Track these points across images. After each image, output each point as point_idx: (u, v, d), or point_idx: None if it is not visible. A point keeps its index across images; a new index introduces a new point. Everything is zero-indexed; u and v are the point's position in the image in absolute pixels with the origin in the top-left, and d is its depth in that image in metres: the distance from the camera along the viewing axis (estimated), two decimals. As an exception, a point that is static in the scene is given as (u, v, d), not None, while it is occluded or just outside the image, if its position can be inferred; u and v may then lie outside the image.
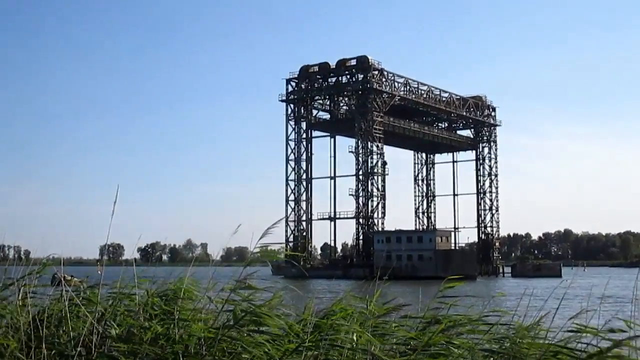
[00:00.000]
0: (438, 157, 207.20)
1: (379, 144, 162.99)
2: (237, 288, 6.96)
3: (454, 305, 7.42)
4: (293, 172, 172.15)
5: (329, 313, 6.99)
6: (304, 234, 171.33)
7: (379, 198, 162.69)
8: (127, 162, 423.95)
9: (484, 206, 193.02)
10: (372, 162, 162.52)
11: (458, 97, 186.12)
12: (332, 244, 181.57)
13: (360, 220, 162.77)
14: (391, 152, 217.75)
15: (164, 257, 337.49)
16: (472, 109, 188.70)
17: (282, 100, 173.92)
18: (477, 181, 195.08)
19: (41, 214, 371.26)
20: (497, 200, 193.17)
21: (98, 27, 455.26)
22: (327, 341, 6.48)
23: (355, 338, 6.60)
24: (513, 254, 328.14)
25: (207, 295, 7.44)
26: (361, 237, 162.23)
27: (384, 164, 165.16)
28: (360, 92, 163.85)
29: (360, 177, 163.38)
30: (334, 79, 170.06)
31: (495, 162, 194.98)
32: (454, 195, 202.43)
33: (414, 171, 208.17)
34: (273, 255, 7.18)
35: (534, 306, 7.51)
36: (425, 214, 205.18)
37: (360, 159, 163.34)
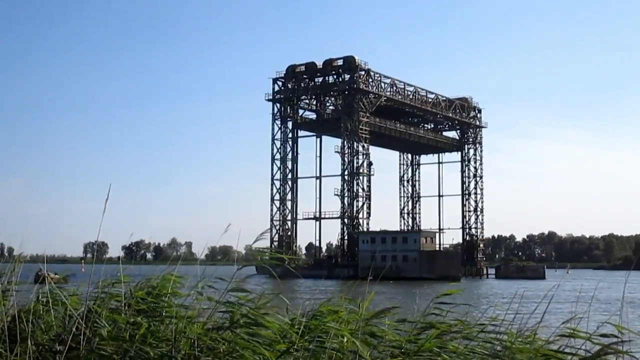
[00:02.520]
0: (423, 158, 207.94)
1: (365, 144, 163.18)
2: (228, 290, 6.89)
3: (449, 312, 7.38)
4: (279, 172, 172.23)
5: (318, 314, 6.93)
6: (289, 233, 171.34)
7: (364, 198, 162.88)
8: (111, 159, 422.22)
9: (469, 207, 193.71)
10: (357, 163, 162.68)
11: (444, 98, 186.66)
12: (317, 244, 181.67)
13: (346, 220, 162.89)
14: (377, 153, 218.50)
15: (149, 255, 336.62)
16: (458, 111, 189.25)
17: (269, 100, 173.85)
18: (462, 182, 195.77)
19: (25, 211, 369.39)
20: (481, 202, 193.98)
21: (83, 23, 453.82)
22: (317, 343, 6.43)
23: (345, 340, 6.54)
24: (497, 256, 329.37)
25: (196, 291, 7.36)
26: (346, 238, 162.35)
27: (370, 164, 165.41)
28: (346, 92, 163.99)
29: (346, 177, 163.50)
30: (320, 79, 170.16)
31: (481, 164, 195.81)
32: (439, 196, 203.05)
33: (400, 172, 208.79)
34: (260, 256, 7.12)
35: (523, 307, 7.46)
36: (410, 214, 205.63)
37: (346, 159, 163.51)
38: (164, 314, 6.89)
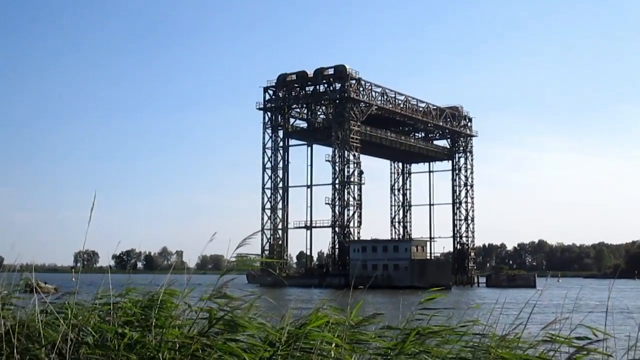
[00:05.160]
0: (414, 167, 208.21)
1: (356, 153, 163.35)
2: (213, 297, 6.96)
3: (434, 317, 7.49)
4: (270, 180, 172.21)
5: (305, 323, 7.01)
6: (280, 242, 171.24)
7: (355, 207, 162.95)
8: (102, 168, 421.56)
9: (460, 216, 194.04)
10: (348, 171, 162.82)
11: (435, 107, 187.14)
12: (308, 253, 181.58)
13: (336, 229, 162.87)
14: (368, 162, 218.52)
15: (139, 264, 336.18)
16: (448, 119, 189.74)
17: (260, 109, 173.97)
18: (453, 191, 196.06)
19: (15, 220, 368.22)
20: (472, 211, 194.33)
21: (69, 34, 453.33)
22: (300, 350, 6.51)
23: (331, 347, 6.63)
24: (488, 264, 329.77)
25: (184, 302, 7.43)
26: (337, 246, 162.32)
27: (361, 173, 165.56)
28: (337, 101, 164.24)
29: (337, 186, 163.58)
30: (311, 88, 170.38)
31: (471, 173, 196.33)
32: (430, 205, 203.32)
33: (391, 181, 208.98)
34: (249, 264, 7.20)
35: (508, 314, 7.58)
36: (401, 223, 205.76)
37: (337, 167, 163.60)
38: (152, 324, 6.94)
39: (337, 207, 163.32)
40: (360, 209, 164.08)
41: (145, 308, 7.38)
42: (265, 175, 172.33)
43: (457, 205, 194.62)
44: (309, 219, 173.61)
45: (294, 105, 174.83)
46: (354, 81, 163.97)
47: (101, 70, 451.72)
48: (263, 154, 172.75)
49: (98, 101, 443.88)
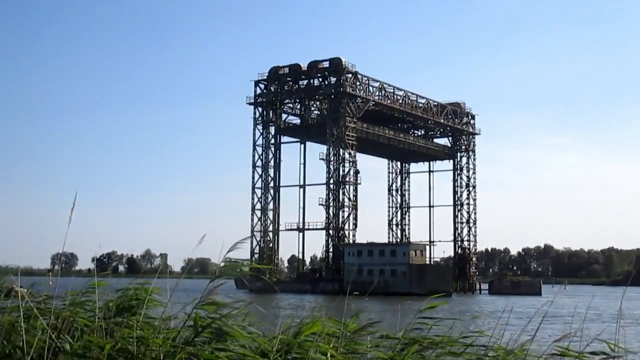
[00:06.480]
0: (413, 167, 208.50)
1: (352, 152, 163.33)
2: (199, 303, 6.91)
3: (434, 326, 7.43)
4: (260, 180, 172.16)
5: (298, 331, 6.97)
6: (271, 245, 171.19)
7: (351, 208, 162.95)
8: (82, 167, 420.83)
9: (461, 219, 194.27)
10: (344, 171, 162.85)
11: (436, 103, 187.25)
12: (300, 257, 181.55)
13: (331, 231, 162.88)
14: (364, 160, 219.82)
15: (121, 267, 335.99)
16: (450, 116, 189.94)
17: (250, 103, 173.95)
18: (454, 192, 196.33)
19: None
20: (474, 213, 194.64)
21: (52, 27, 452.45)
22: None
23: (326, 358, 6.58)
24: (491, 270, 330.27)
25: (167, 308, 7.39)
26: (331, 250, 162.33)
27: (357, 172, 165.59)
28: (332, 96, 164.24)
29: (331, 186, 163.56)
30: (305, 82, 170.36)
31: (474, 173, 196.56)
32: (430, 206, 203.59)
33: (388, 181, 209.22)
34: (237, 268, 7.15)
35: (514, 324, 7.54)
36: (399, 226, 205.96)
37: (331, 166, 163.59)
38: (135, 333, 6.90)
39: (331, 209, 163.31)
40: (356, 210, 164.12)
41: (122, 310, 7.35)
42: (256, 174, 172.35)
43: (459, 207, 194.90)
44: (301, 220, 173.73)
45: (287, 100, 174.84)
46: (350, 75, 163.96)
47: (81, 65, 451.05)
48: (253, 151, 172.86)
49: (78, 97, 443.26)
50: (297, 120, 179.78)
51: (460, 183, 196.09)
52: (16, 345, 7.08)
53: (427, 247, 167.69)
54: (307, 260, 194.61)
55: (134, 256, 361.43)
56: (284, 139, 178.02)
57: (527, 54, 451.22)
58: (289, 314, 7.91)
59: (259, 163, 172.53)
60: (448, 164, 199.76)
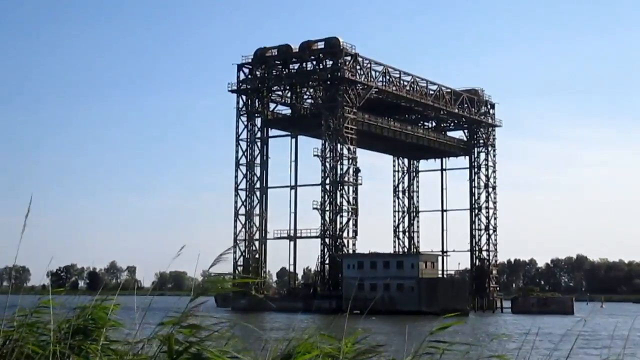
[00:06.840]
0: (423, 164, 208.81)
1: (351, 147, 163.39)
2: (178, 323, 6.89)
3: (447, 350, 7.42)
4: (244, 180, 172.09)
5: (291, 354, 6.96)
6: (257, 256, 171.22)
7: (350, 213, 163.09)
8: (35, 166, 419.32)
9: (479, 225, 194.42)
10: (342, 169, 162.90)
11: (449, 90, 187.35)
12: (292, 270, 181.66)
13: (327, 240, 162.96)
14: (366, 157, 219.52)
15: (81, 283, 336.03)
16: (466, 106, 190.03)
17: (232, 91, 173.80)
18: (471, 194, 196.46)
19: None
20: (494, 218, 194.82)
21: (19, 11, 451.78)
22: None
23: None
24: (514, 285, 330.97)
25: (136, 331, 7.37)
26: (327, 262, 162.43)
27: (357, 171, 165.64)
28: (328, 82, 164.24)
29: (327, 187, 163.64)
30: (296, 66, 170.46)
31: (493, 171, 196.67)
32: (442, 211, 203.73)
33: (394, 181, 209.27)
34: (219, 284, 7.13)
35: (541, 348, 7.53)
36: (407, 233, 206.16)
37: (327, 164, 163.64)
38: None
39: (327, 213, 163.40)
40: (356, 215, 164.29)
41: (78, 332, 7.33)
42: (239, 173, 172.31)
43: (476, 211, 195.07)
44: (292, 227, 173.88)
45: (275, 87, 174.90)
46: (349, 57, 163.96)
47: (47, 53, 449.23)
48: (236, 146, 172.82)
49: (26, 82, 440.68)
50: (287, 111, 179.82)
51: (478, 183, 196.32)
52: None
53: (440, 258, 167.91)
54: (300, 274, 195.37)
55: (97, 270, 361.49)
56: (272, 132, 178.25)
57: (555, 31, 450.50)
58: (279, 337, 7.86)
59: (242, 160, 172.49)
60: (464, 161, 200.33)
